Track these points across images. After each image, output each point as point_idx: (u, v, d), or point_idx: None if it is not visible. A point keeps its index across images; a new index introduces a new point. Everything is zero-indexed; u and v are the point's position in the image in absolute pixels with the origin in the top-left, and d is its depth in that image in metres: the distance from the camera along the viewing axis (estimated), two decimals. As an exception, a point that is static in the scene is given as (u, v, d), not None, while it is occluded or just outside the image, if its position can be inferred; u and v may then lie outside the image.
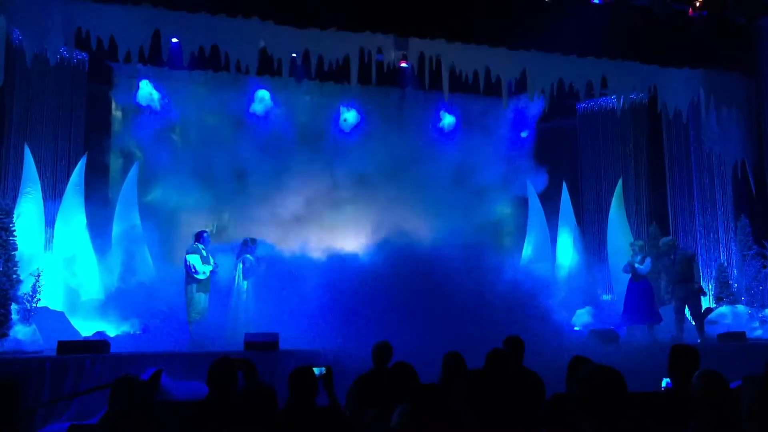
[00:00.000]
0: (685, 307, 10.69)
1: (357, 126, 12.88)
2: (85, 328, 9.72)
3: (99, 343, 8.57)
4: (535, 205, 13.39)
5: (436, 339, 6.96)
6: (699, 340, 10.14)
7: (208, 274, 9.50)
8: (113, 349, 8.57)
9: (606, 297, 12.70)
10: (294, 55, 10.85)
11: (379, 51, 11.11)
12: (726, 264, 12.13)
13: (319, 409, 4.31)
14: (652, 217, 12.98)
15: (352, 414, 4.85)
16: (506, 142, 13.41)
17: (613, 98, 12.66)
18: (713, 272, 12.16)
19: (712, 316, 11.27)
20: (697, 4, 11.37)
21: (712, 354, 8.05)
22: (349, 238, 11.06)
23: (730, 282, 11.90)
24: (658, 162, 13.15)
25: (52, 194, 10.60)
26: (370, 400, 4.73)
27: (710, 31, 11.59)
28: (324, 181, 12.21)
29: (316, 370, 4.48)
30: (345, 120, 12.97)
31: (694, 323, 10.71)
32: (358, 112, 13.01)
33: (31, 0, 9.59)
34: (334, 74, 11.43)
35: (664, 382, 4.69)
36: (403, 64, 11.80)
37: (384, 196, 11.59)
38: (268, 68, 11.16)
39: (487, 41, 11.45)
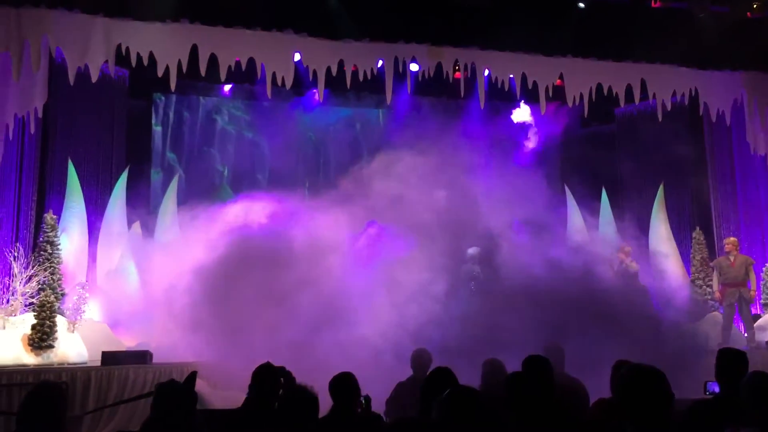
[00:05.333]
0: (734, 311, 10.46)
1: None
2: (129, 339, 9.87)
3: (142, 353, 8.73)
4: (573, 211, 13.19)
5: None
6: (748, 347, 9.88)
7: None
8: (156, 360, 8.71)
9: None
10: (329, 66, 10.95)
11: (413, 59, 11.14)
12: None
13: (360, 416, 4.31)
14: (696, 221, 12.70)
15: (391, 420, 4.83)
16: (543, 147, 13.26)
17: (653, 102, 12.44)
18: (760, 277, 11.84)
19: (760, 322, 10.98)
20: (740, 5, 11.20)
21: (762, 361, 7.85)
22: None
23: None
24: (701, 166, 12.89)
25: (95, 208, 10.80)
26: (410, 406, 4.70)
27: (750, 31, 11.39)
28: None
29: None
30: None
31: (744, 329, 10.47)
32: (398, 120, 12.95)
33: (73, 19, 9.84)
34: (369, 84, 11.48)
35: (710, 386, 4.57)
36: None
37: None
38: (303, 80, 11.25)
39: (522, 48, 11.43)
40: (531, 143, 13.39)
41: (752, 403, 3.26)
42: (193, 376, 3.78)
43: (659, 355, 6.61)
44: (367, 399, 4.54)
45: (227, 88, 12.64)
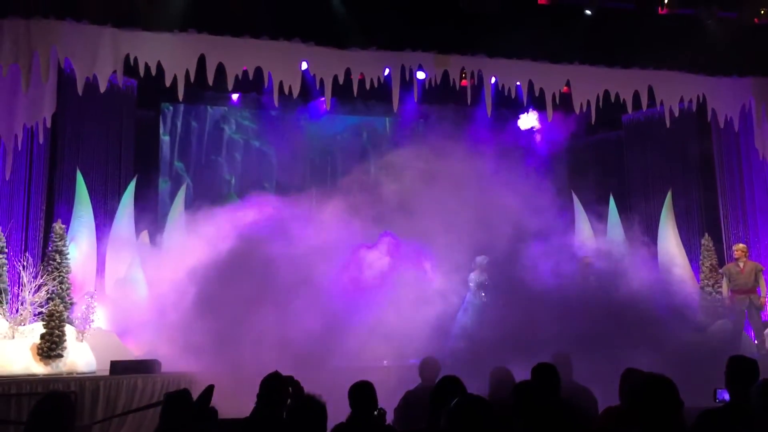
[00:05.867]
0: (744, 318, 10.41)
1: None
2: (137, 348, 9.88)
3: (151, 362, 8.74)
4: (581, 218, 13.15)
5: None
6: (758, 354, 9.81)
7: None
8: (164, 369, 8.72)
9: None
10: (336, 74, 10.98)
11: (420, 67, 11.16)
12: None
13: (373, 424, 4.31)
14: (704, 228, 12.65)
15: (401, 429, 4.82)
16: (550, 154, 13.24)
17: (661, 109, 12.39)
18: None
19: (770, 329, 10.92)
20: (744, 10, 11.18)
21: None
22: None
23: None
24: (709, 172, 12.84)
25: (104, 217, 10.84)
26: (419, 415, 4.68)
27: (758, 37, 11.37)
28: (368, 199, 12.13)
29: None
30: None
31: (754, 336, 10.41)
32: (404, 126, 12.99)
33: (81, 30, 9.90)
34: (376, 92, 11.50)
35: (719, 394, 4.55)
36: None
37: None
38: (311, 89, 11.29)
39: (529, 55, 11.43)
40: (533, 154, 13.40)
41: (763, 412, 3.23)
42: (209, 390, 3.78)
43: (668, 362, 6.57)
44: (382, 412, 4.52)
45: (235, 97, 12.71)
